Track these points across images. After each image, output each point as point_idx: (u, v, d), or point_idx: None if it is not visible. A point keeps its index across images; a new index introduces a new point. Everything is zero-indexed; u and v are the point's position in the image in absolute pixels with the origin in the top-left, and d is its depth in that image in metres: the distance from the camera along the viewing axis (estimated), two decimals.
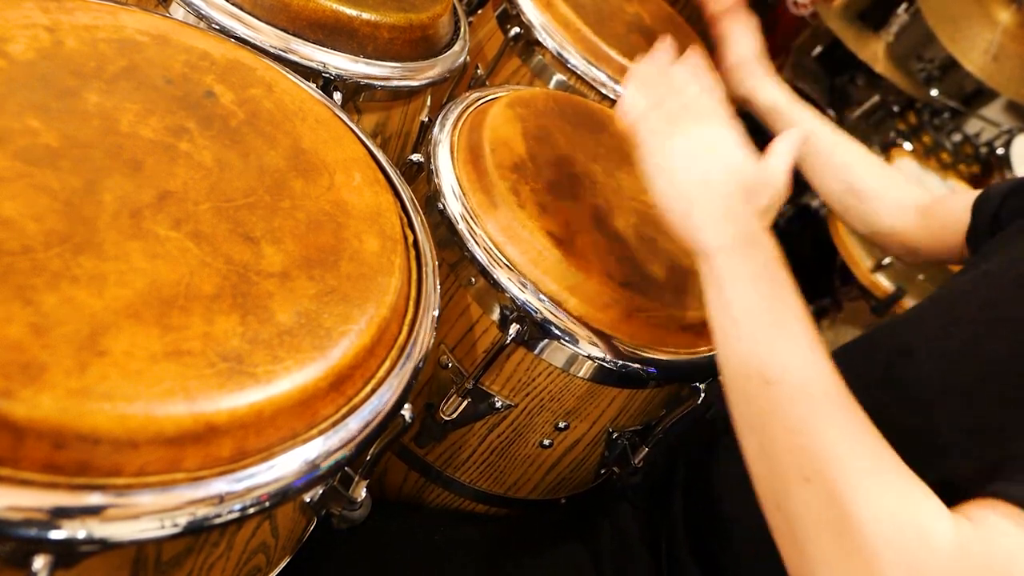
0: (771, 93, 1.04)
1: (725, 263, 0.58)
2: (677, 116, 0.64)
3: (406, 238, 0.62)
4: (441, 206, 0.73)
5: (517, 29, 1.09)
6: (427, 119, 1.01)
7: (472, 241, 0.71)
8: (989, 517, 0.47)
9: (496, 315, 0.73)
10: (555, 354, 0.72)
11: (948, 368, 0.64)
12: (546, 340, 0.71)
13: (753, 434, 0.54)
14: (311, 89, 0.69)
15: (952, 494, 0.50)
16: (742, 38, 1.07)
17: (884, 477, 0.47)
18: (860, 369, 0.72)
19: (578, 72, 1.09)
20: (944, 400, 0.62)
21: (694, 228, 0.60)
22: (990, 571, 0.44)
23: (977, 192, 0.83)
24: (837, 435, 0.49)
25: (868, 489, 0.46)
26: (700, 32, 1.39)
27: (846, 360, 0.71)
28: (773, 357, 0.53)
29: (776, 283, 0.56)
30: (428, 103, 1.01)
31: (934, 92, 2.18)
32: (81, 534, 0.37)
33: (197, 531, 0.41)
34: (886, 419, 0.51)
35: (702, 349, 0.77)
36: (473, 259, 0.71)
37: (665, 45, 0.71)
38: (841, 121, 2.18)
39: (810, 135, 0.96)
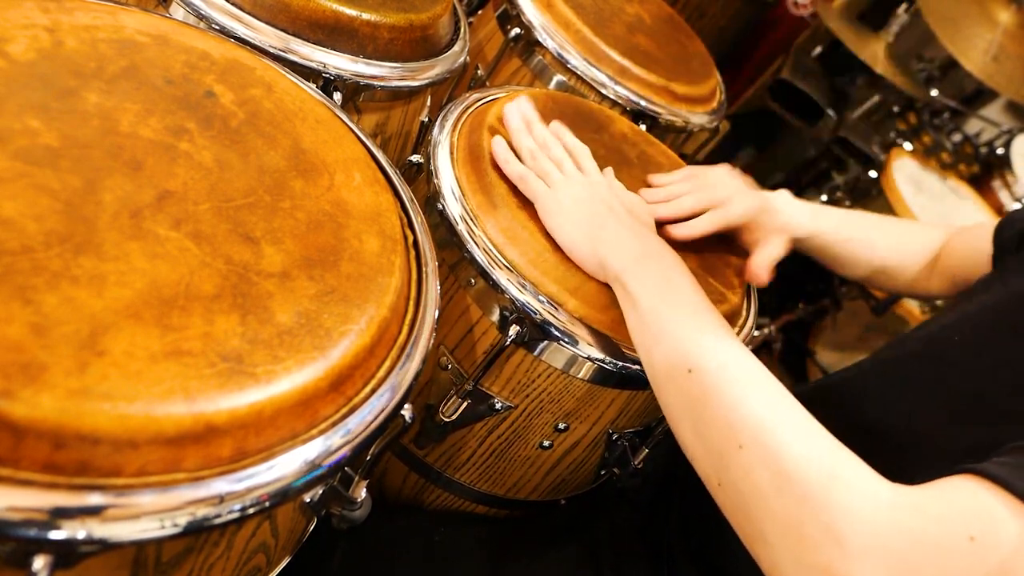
0: (801, 229, 0.94)
1: (633, 279, 0.65)
2: (549, 174, 0.74)
3: (406, 238, 0.62)
4: (441, 207, 0.73)
5: (517, 30, 1.10)
6: (427, 119, 1.01)
7: (472, 242, 0.71)
8: (942, 482, 0.48)
9: (496, 316, 0.73)
10: (555, 355, 0.72)
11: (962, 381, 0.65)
12: (546, 341, 0.71)
13: (685, 421, 0.57)
14: (311, 89, 0.69)
15: None
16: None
17: (813, 437, 0.50)
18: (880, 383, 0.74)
19: (578, 73, 1.09)
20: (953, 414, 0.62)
21: (602, 261, 0.68)
22: (925, 522, 0.45)
23: (992, 223, 0.84)
24: (761, 403, 0.52)
25: (801, 446, 0.49)
26: (699, 32, 1.39)
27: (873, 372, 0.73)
28: (691, 348, 0.58)
29: (678, 286, 0.64)
30: (428, 103, 1.01)
31: (934, 92, 2.18)
32: (81, 534, 0.37)
33: (197, 531, 0.41)
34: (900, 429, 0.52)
35: None
36: (473, 260, 0.71)
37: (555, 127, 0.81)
38: (841, 121, 2.18)
39: (836, 237, 0.95)
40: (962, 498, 0.46)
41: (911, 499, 0.46)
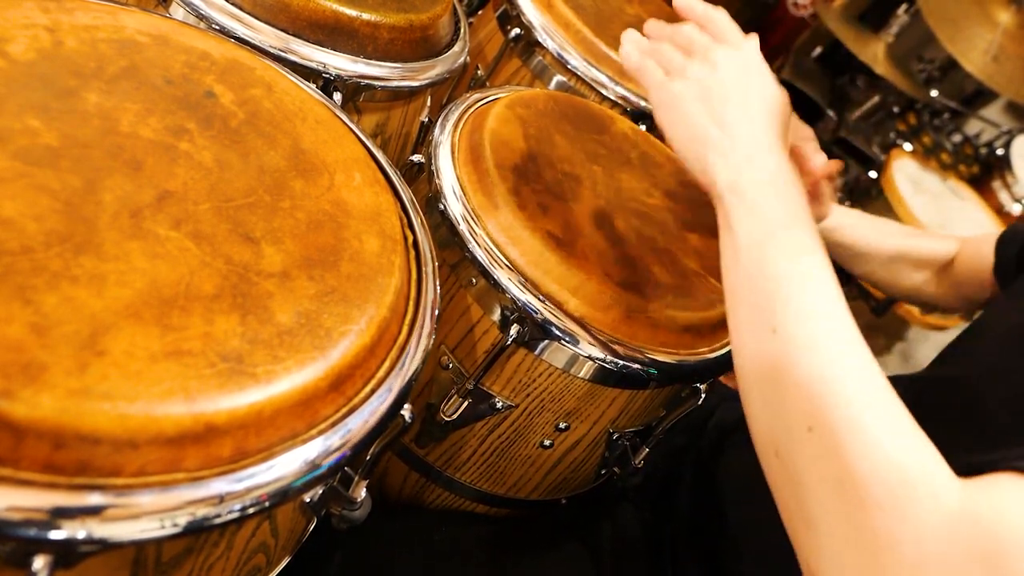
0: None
1: (738, 205, 0.56)
2: (670, 60, 0.65)
3: (406, 238, 0.62)
4: (442, 207, 0.73)
5: (517, 30, 1.10)
6: (427, 120, 1.01)
7: (473, 242, 0.71)
8: (1003, 483, 0.45)
9: (497, 316, 0.73)
10: (556, 355, 0.72)
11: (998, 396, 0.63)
12: (547, 341, 0.71)
13: (758, 384, 0.52)
14: (311, 89, 0.69)
15: None
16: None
17: (892, 434, 0.46)
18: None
19: (578, 73, 1.09)
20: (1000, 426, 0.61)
21: (709, 172, 0.59)
22: (996, 535, 0.43)
23: (995, 234, 0.84)
24: (845, 389, 0.47)
25: (873, 443, 0.45)
26: None
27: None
28: (783, 306, 0.51)
29: (790, 228, 0.54)
30: (428, 104, 1.01)
31: (934, 93, 2.18)
32: (81, 534, 0.37)
33: (197, 531, 0.41)
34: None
35: (703, 350, 0.77)
36: (474, 260, 0.71)
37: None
38: (841, 122, 2.18)
39: (856, 235, 0.96)
40: (1016, 507, 0.44)
41: (972, 508, 0.43)
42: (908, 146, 2.11)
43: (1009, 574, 0.41)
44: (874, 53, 2.03)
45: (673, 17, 1.41)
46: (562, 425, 0.78)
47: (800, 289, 0.51)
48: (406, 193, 0.67)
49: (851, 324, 0.50)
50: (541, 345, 0.72)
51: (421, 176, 0.81)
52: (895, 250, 0.96)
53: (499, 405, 0.76)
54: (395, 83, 0.85)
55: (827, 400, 0.47)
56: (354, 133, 0.68)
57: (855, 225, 0.95)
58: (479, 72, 1.17)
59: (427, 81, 0.89)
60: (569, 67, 1.09)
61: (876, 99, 2.24)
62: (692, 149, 0.60)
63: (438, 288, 0.62)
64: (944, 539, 0.42)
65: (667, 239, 0.82)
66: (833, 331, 0.49)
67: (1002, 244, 0.82)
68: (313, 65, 0.77)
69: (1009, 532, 0.42)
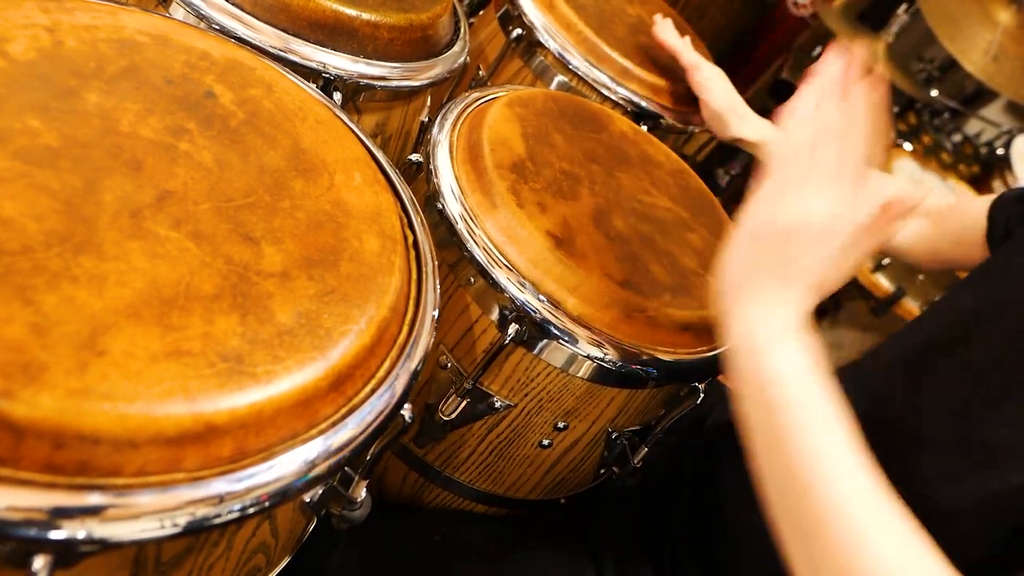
0: (758, 131, 1.09)
1: (781, 353, 0.53)
2: (803, 180, 0.57)
3: (406, 238, 0.62)
4: (440, 206, 0.73)
5: (519, 30, 1.10)
6: (427, 119, 1.01)
7: (471, 241, 0.71)
8: None
9: (495, 315, 0.73)
10: (554, 354, 0.72)
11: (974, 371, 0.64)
12: (545, 340, 0.71)
13: (795, 538, 0.50)
14: (311, 89, 0.69)
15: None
16: (716, 87, 1.13)
17: (897, 546, 0.46)
18: (879, 379, 0.72)
19: (580, 73, 1.09)
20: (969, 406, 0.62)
21: (730, 315, 0.57)
22: None
23: (990, 197, 0.83)
24: (881, 549, 0.46)
25: (878, 555, 0.45)
26: (699, 32, 1.40)
27: (870, 367, 0.70)
28: (808, 470, 0.50)
29: (808, 386, 0.52)
30: (428, 103, 1.01)
31: (934, 92, 2.18)
32: (81, 534, 0.37)
33: (197, 531, 0.41)
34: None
35: (702, 349, 0.77)
36: (472, 259, 0.71)
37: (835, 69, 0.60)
38: None
39: None
40: None
41: None
42: (908, 146, 2.10)
43: None
44: (874, 53, 2.03)
45: (674, 17, 1.41)
46: (561, 424, 0.78)
47: (824, 460, 0.50)
48: (406, 193, 0.68)
49: (876, 484, 0.49)
50: (540, 344, 0.72)
51: (420, 175, 0.81)
52: None
53: (498, 404, 0.76)
54: (395, 83, 0.85)
55: (865, 563, 0.46)
56: (354, 133, 0.68)
57: None
58: (480, 73, 1.17)
59: (427, 81, 0.89)
60: (571, 67, 1.09)
61: None
62: (726, 285, 0.57)
63: (438, 288, 0.62)
64: None
65: (666, 238, 0.82)
66: (861, 494, 0.48)
67: (994, 211, 0.81)
68: (313, 65, 0.77)
69: None
